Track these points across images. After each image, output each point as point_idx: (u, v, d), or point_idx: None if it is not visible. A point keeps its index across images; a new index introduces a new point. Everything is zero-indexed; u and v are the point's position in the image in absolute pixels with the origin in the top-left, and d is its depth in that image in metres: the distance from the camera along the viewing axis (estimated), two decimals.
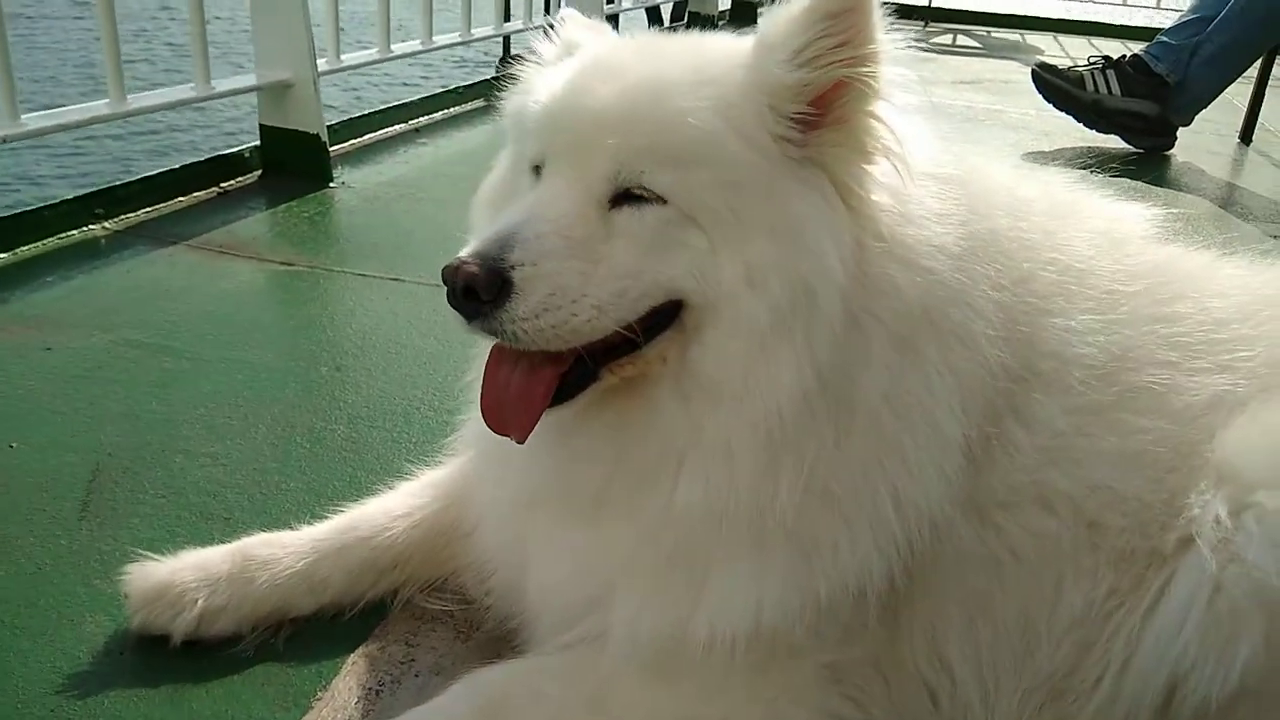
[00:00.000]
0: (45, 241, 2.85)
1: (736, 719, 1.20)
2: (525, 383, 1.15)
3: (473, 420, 1.40)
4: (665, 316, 1.14)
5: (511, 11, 5.57)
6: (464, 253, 1.10)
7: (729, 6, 8.54)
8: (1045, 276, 1.24)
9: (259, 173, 3.64)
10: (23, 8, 8.89)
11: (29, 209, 2.90)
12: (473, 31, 4.90)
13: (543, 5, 6.05)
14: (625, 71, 1.17)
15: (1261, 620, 1.08)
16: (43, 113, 2.95)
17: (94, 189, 3.12)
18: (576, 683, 1.23)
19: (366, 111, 4.35)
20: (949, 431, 1.16)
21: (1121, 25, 9.01)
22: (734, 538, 1.16)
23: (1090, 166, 5.03)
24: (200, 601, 1.40)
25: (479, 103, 4.84)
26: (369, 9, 4.28)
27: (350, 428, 2.02)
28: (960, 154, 1.27)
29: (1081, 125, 4.81)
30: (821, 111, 1.13)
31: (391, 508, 1.56)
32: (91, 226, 3.00)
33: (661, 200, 1.11)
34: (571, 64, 1.25)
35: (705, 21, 7.62)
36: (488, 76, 5.39)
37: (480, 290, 1.07)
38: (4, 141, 2.71)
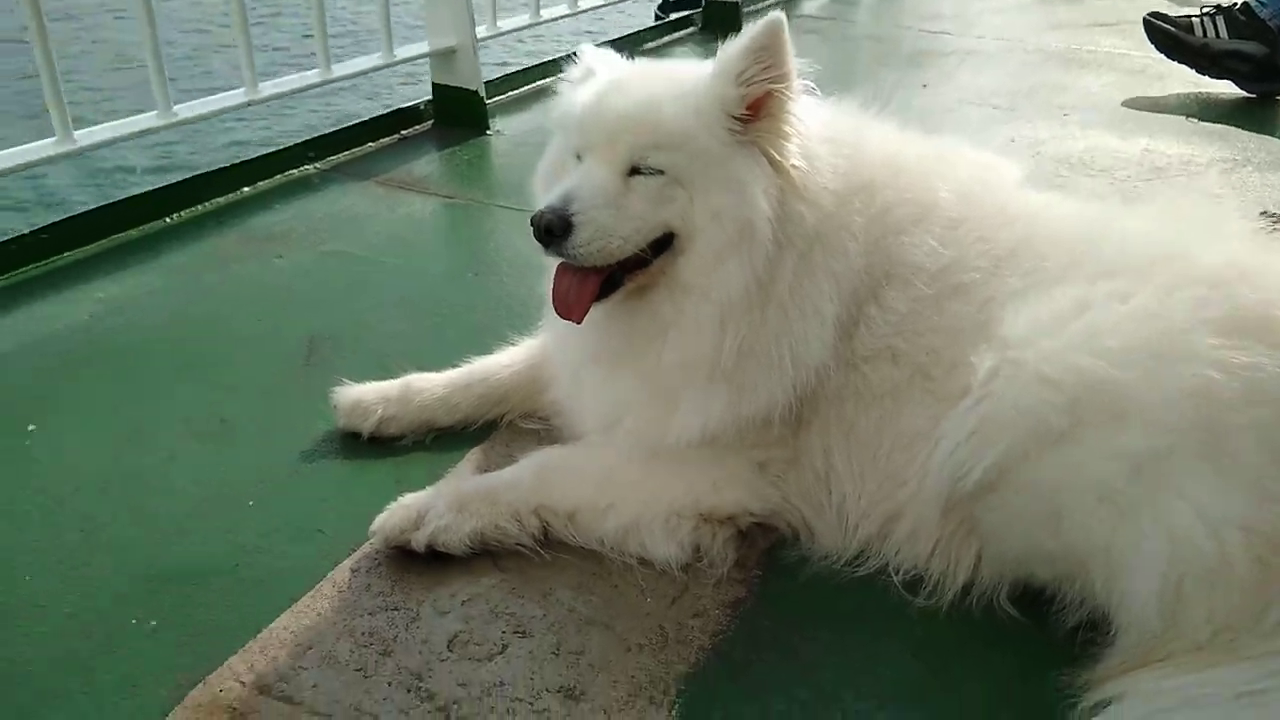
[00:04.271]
0: (273, 178, 3.71)
1: (694, 490, 1.85)
2: (580, 286, 1.78)
3: (548, 313, 2.03)
4: (663, 245, 1.79)
5: None
6: (541, 205, 1.73)
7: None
8: (902, 210, 1.82)
9: (431, 122, 4.40)
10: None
11: (262, 154, 3.76)
12: None
13: None
14: (632, 90, 1.80)
15: (1003, 438, 1.60)
16: (274, 81, 3.79)
17: (307, 137, 3.94)
18: (598, 459, 1.92)
19: (520, 69, 5.06)
20: (827, 314, 1.77)
21: None
22: (694, 380, 1.82)
23: (1192, 113, 5.17)
24: (379, 411, 2.16)
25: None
26: None
27: (482, 314, 2.78)
28: (857, 125, 1.89)
29: (1194, 72, 4.97)
30: (757, 111, 1.74)
31: (501, 360, 2.29)
32: (306, 167, 3.84)
33: (660, 171, 1.74)
34: (595, 84, 1.85)
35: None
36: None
37: (555, 230, 1.70)
38: (249, 105, 3.60)
